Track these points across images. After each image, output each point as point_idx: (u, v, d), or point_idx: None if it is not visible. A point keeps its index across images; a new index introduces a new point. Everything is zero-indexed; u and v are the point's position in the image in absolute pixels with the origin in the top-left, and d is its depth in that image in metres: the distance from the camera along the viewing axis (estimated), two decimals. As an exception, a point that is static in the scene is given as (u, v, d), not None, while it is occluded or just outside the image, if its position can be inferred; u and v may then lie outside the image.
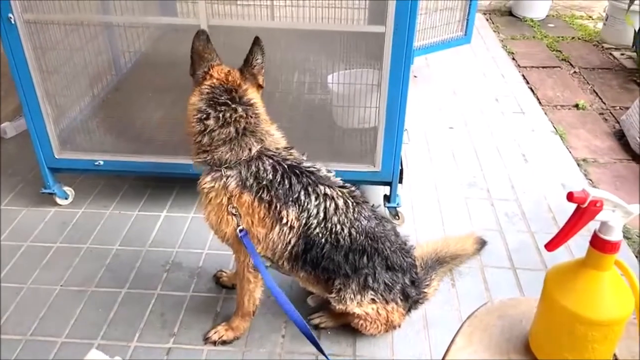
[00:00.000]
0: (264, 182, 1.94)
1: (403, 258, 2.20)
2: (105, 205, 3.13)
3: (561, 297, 1.10)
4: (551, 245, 1.08)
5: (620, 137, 3.91)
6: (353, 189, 2.14)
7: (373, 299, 2.14)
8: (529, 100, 4.44)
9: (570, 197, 1.00)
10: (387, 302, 2.16)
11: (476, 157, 3.65)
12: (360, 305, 2.14)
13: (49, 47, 2.77)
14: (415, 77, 4.67)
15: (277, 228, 1.98)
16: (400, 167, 2.89)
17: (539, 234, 2.95)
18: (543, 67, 5.04)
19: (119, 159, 2.93)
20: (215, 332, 2.31)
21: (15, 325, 2.38)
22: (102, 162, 2.91)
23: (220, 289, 2.58)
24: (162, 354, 2.27)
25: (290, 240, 2.00)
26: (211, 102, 1.92)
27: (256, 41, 1.97)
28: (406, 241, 2.29)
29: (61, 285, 2.59)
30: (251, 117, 1.95)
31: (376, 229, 2.11)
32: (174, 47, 3.54)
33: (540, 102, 4.41)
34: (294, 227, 1.98)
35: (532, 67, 5.05)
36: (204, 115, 1.92)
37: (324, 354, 1.91)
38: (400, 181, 2.94)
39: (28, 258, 2.75)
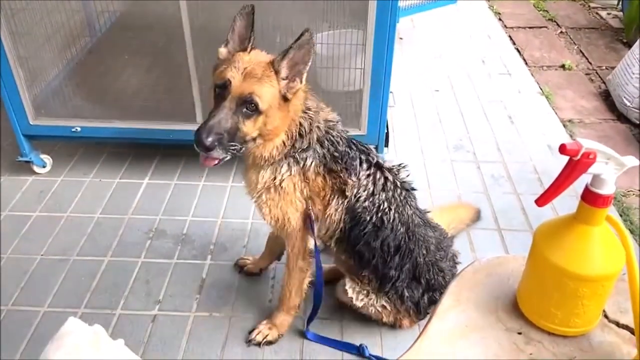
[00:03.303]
0: (337, 155, 1.85)
1: (434, 275, 2.08)
2: (84, 173, 3.05)
3: (551, 253, 1.07)
4: (542, 200, 1.05)
5: (606, 97, 3.89)
6: (399, 168, 2.03)
7: (384, 306, 2.09)
8: (516, 61, 4.39)
9: (562, 149, 0.96)
10: (397, 311, 2.11)
11: (462, 120, 3.61)
12: (371, 306, 2.10)
13: (18, 7, 2.64)
14: (401, 38, 4.57)
15: (334, 201, 1.89)
16: (386, 131, 2.84)
17: (524, 195, 2.95)
18: (530, 28, 4.97)
19: (97, 125, 2.84)
20: (258, 333, 2.17)
21: (-5, 295, 2.34)
22: (79, 129, 2.82)
23: (205, 257, 2.55)
24: (148, 321, 2.25)
25: (341, 216, 1.91)
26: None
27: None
28: (452, 257, 2.19)
29: (42, 255, 2.54)
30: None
31: (417, 229, 2.01)
32: (150, 8, 3.41)
33: (526, 63, 4.36)
34: (347, 197, 1.88)
35: (519, 27, 4.98)
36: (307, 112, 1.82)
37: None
38: (386, 145, 2.90)
39: (7, 228, 2.69)
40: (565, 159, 1.02)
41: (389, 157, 3.12)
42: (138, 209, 2.82)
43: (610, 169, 0.98)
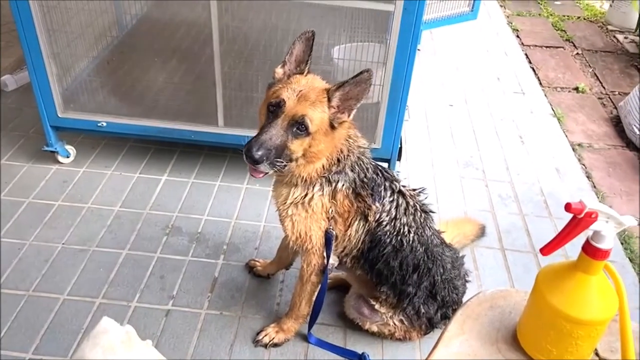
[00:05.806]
0: (365, 180, 1.94)
1: (449, 292, 2.18)
2: (106, 165, 3.16)
3: (551, 296, 1.17)
4: (546, 250, 1.15)
5: (617, 123, 3.96)
6: (419, 191, 2.13)
7: (402, 320, 2.19)
8: (530, 80, 4.46)
9: (568, 208, 1.06)
10: (412, 325, 2.21)
11: (474, 137, 3.70)
12: (390, 319, 2.19)
13: (51, 5, 2.73)
14: (418, 50, 4.64)
15: (356, 224, 1.98)
16: (399, 145, 2.92)
17: (529, 217, 3.03)
18: (546, 47, 5.04)
19: (121, 122, 2.95)
20: (265, 335, 2.27)
21: (18, 280, 2.45)
22: (105, 124, 2.93)
23: (218, 256, 2.65)
24: (161, 315, 2.35)
25: (361, 238, 2.00)
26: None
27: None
28: (464, 275, 2.28)
29: (63, 244, 2.65)
30: None
31: (435, 249, 2.10)
32: (174, 9, 3.50)
33: (541, 83, 4.43)
34: (369, 222, 1.97)
35: (536, 45, 5.04)
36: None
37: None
38: (399, 158, 2.98)
39: (30, 215, 2.80)
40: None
41: (401, 169, 3.21)
42: (156, 204, 2.93)
43: (609, 227, 1.08)
